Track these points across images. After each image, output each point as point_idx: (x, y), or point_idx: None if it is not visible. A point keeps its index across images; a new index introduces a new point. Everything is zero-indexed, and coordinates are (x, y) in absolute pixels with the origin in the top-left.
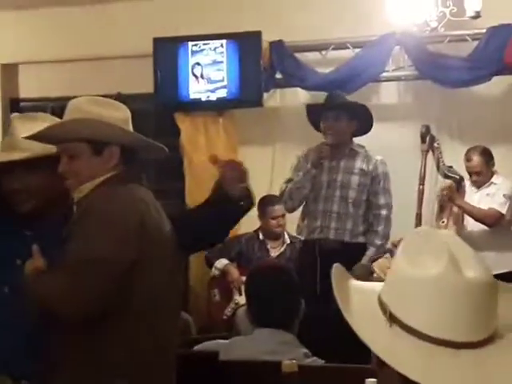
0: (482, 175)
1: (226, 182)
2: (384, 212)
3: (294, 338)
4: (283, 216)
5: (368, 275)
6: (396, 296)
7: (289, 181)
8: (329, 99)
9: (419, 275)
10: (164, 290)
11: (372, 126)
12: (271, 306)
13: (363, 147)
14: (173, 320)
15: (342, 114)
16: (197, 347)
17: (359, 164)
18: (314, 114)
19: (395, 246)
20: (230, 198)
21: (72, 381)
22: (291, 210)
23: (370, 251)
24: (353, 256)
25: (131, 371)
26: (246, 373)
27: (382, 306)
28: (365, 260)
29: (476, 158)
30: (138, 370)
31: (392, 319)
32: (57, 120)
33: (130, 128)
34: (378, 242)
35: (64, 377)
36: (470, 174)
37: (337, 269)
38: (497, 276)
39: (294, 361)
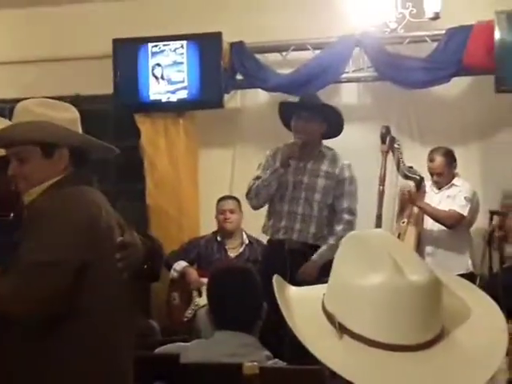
0: (444, 176)
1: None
2: (346, 216)
3: (255, 340)
4: (231, 212)
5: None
6: (342, 305)
7: (257, 178)
8: (303, 99)
9: (364, 284)
10: (118, 293)
11: (342, 129)
12: (232, 309)
13: (332, 149)
14: (128, 324)
15: (314, 116)
16: (158, 350)
17: (325, 167)
18: (287, 111)
19: None
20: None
21: None
22: (257, 207)
23: (323, 248)
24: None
25: (85, 378)
26: (207, 375)
27: (329, 316)
28: (316, 255)
29: (439, 159)
30: (93, 376)
31: (341, 329)
32: (8, 122)
33: (79, 129)
34: (332, 242)
35: None
36: (432, 174)
37: (277, 279)
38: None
39: (256, 363)
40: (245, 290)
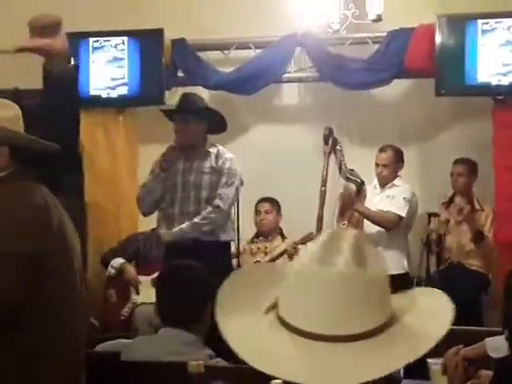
0: (388, 170)
1: (45, 60)
2: (217, 201)
3: (198, 339)
4: None
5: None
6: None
7: (144, 186)
8: (180, 101)
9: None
10: (70, 289)
11: (226, 125)
12: (178, 306)
13: (216, 146)
14: (79, 322)
15: (190, 117)
16: (99, 347)
17: (210, 163)
18: (169, 117)
19: (297, 244)
20: (54, 75)
21: None
22: (146, 214)
23: (187, 223)
24: (213, 254)
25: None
26: (150, 373)
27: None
28: (178, 228)
29: (389, 152)
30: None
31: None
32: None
33: (21, 127)
34: (196, 220)
35: None
36: (378, 165)
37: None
38: None
39: (201, 361)
40: (190, 289)
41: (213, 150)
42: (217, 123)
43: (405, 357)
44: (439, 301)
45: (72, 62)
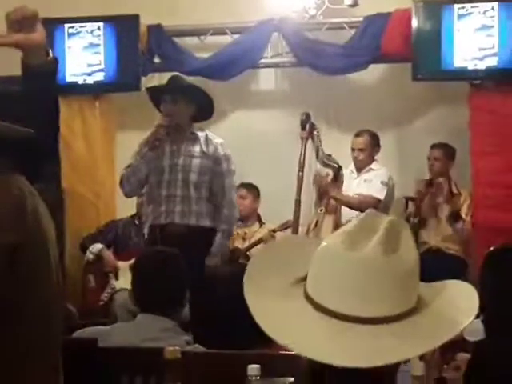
0: (365, 154)
1: (24, 54)
2: (228, 194)
3: (175, 324)
4: None
5: (221, 260)
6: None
7: (129, 166)
8: (169, 82)
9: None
10: (45, 279)
11: (213, 110)
12: (153, 292)
13: (204, 130)
14: (58, 313)
15: (179, 97)
16: (76, 333)
17: (200, 147)
18: (155, 96)
19: (274, 231)
20: (33, 68)
21: None
22: (129, 195)
23: (217, 237)
24: (198, 240)
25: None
26: (127, 359)
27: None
28: (214, 247)
29: (365, 136)
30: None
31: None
32: None
33: None
34: (223, 227)
35: None
36: (354, 149)
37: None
38: None
39: (177, 347)
40: (167, 275)
41: (201, 134)
42: (203, 106)
43: (426, 343)
44: (466, 290)
45: (50, 55)
